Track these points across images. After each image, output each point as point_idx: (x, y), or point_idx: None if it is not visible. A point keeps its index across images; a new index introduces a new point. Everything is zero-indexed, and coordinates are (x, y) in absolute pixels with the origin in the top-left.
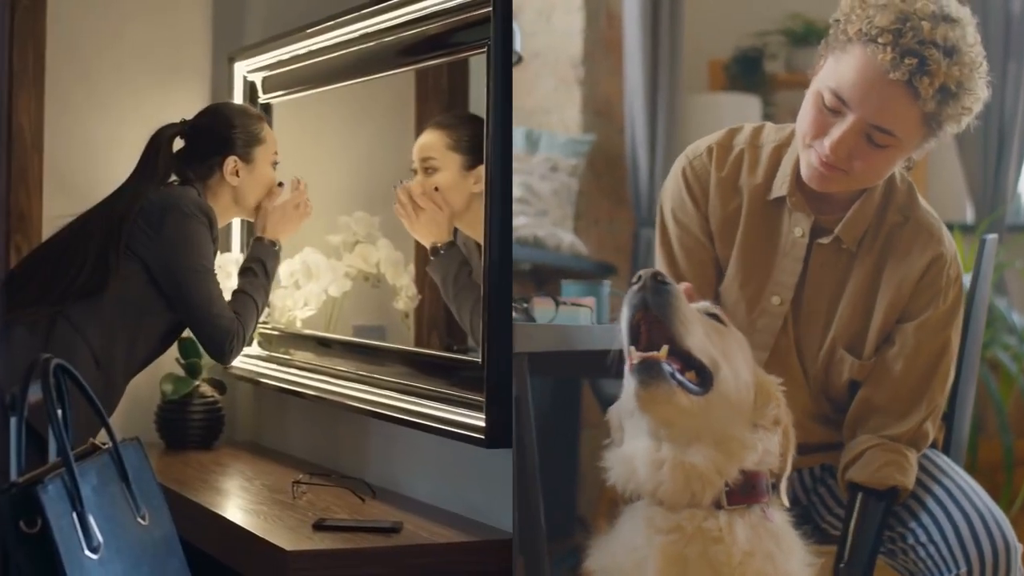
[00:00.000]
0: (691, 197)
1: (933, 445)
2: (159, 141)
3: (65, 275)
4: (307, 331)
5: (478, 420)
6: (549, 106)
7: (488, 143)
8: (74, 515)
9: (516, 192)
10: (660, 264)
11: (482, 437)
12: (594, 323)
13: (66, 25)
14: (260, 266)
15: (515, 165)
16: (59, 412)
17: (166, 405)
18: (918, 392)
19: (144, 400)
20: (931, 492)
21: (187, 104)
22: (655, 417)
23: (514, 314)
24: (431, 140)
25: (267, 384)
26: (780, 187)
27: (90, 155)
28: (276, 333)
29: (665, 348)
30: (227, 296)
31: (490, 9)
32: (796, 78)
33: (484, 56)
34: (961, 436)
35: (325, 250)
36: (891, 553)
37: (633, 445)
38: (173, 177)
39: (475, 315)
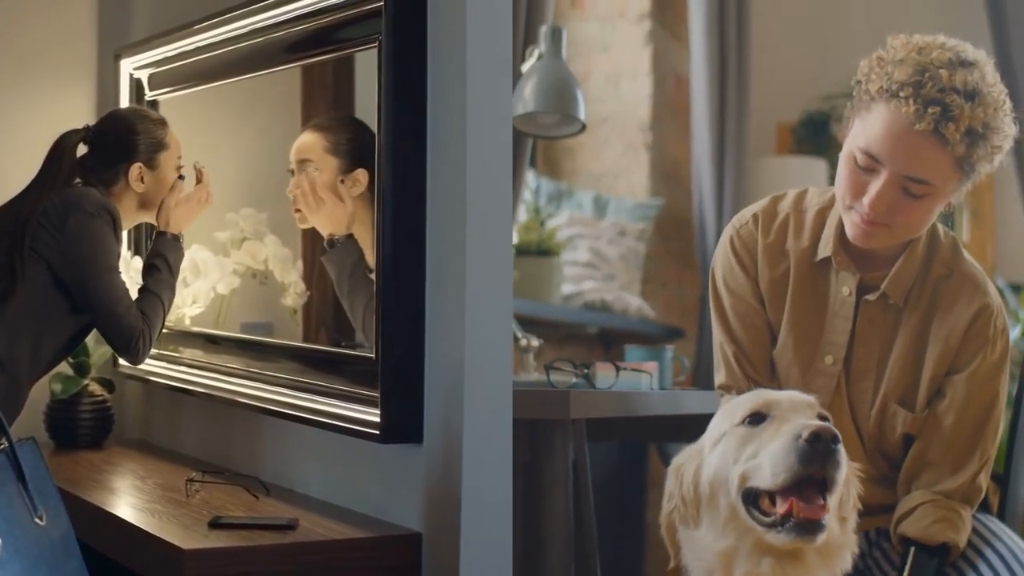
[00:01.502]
0: (740, 264)
1: (987, 509)
2: (62, 147)
3: None
4: (196, 328)
5: (372, 416)
6: (617, 171)
7: (380, 138)
8: None
9: (583, 257)
10: (717, 331)
11: (377, 432)
12: (654, 388)
13: None
14: (163, 262)
15: (583, 230)
16: None
17: (55, 404)
18: (970, 444)
19: (33, 400)
20: (984, 556)
21: (74, 102)
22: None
23: (573, 379)
24: (309, 141)
25: (156, 382)
26: (825, 248)
27: None
28: (165, 331)
29: (826, 505)
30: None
31: (381, 4)
32: None
33: (374, 52)
34: (1016, 500)
35: (213, 247)
36: None
37: (725, 544)
38: (76, 180)
39: (368, 311)
